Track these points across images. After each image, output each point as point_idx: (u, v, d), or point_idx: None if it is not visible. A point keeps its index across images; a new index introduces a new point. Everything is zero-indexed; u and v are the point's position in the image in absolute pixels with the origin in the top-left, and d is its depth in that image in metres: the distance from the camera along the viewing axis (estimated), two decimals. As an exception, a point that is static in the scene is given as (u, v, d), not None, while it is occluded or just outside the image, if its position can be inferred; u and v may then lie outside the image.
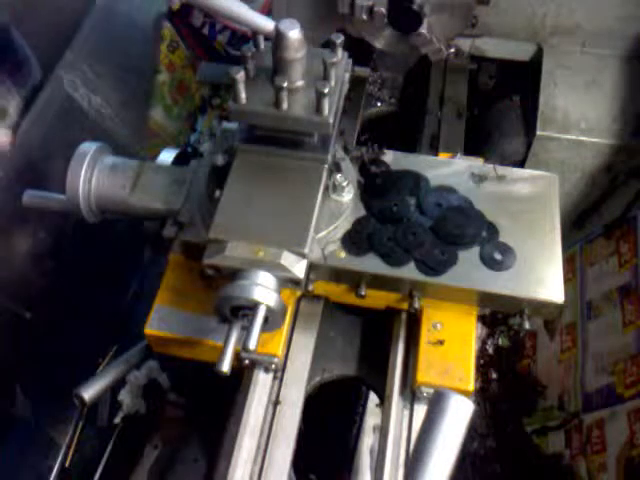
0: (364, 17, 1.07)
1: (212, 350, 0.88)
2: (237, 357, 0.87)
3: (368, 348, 1.02)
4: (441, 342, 0.88)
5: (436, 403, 0.67)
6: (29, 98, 1.20)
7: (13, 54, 1.18)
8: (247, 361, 0.91)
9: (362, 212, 0.93)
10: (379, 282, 0.89)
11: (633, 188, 1.40)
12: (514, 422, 1.62)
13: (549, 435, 1.52)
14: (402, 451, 0.87)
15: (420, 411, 0.88)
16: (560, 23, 1.35)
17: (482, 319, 1.72)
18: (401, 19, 1.05)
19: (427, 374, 0.85)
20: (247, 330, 0.76)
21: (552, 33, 1.37)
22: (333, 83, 0.82)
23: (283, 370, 0.94)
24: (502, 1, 1.33)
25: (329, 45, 0.85)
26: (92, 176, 0.94)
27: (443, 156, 1.10)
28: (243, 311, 0.80)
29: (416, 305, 0.88)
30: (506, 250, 0.89)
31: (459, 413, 0.66)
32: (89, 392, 0.96)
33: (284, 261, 0.81)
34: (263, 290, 0.78)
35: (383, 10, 1.05)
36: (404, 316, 0.98)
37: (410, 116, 1.44)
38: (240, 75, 0.79)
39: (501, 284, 0.87)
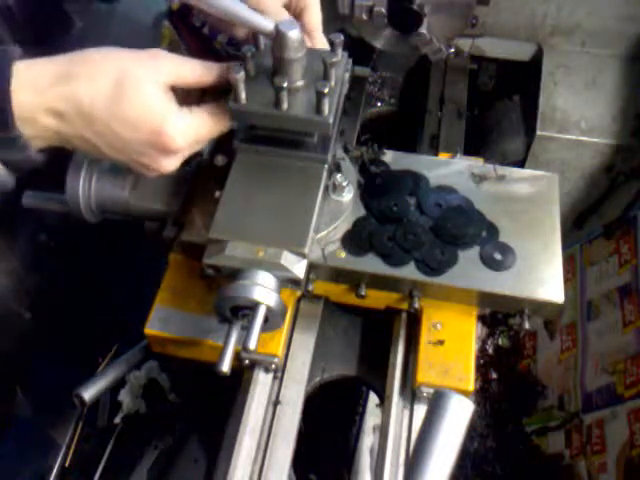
0: (364, 17, 1.07)
1: (212, 350, 0.88)
2: (237, 357, 0.87)
3: (368, 348, 1.02)
4: (441, 342, 0.88)
5: (436, 403, 0.67)
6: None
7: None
8: (247, 361, 0.91)
9: (362, 212, 0.93)
10: (379, 282, 0.89)
11: (633, 188, 1.40)
12: (514, 422, 1.62)
13: (549, 435, 1.52)
14: (402, 451, 0.87)
15: (420, 411, 0.88)
16: (560, 23, 1.35)
17: (482, 319, 1.73)
18: (401, 19, 1.05)
19: (427, 374, 0.85)
20: (247, 330, 0.77)
21: (552, 33, 1.37)
22: (333, 83, 0.82)
23: (283, 370, 0.94)
24: (502, 1, 1.33)
25: (329, 45, 0.85)
26: (92, 176, 0.94)
27: (443, 156, 1.10)
28: (243, 311, 0.80)
29: (416, 305, 0.88)
30: (506, 250, 0.89)
31: (459, 413, 0.66)
32: (89, 392, 0.96)
33: (284, 261, 0.81)
34: (263, 290, 0.78)
35: (383, 10, 1.05)
36: (404, 316, 0.98)
37: (410, 116, 1.44)
38: (240, 75, 0.79)
39: (501, 284, 0.86)
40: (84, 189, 0.94)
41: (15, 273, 1.21)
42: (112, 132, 0.71)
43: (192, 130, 0.75)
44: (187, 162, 1.03)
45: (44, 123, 0.69)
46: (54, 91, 0.68)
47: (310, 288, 0.89)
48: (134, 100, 0.70)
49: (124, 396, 1.38)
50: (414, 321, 0.94)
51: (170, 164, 0.77)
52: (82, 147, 0.75)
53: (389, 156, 1.00)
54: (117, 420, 1.36)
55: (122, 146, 0.73)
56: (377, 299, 0.92)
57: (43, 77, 0.69)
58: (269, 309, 0.78)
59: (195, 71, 0.77)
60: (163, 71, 0.73)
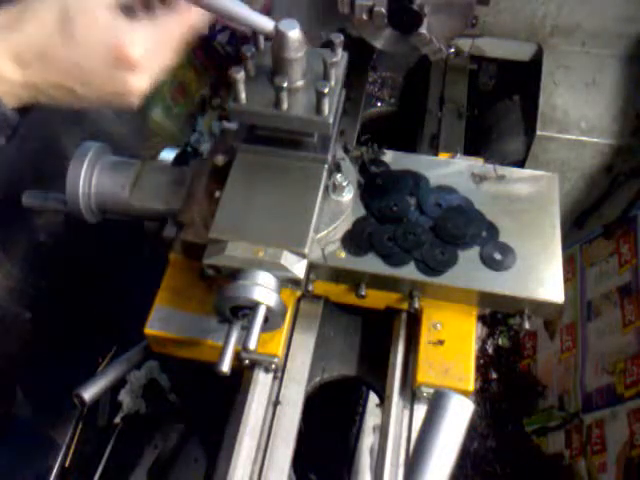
0: (364, 17, 1.07)
1: (212, 350, 0.88)
2: (237, 357, 0.87)
3: (368, 348, 1.02)
4: (441, 342, 0.88)
5: (436, 403, 0.67)
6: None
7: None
8: (247, 361, 0.91)
9: (362, 212, 0.93)
10: (379, 282, 0.89)
11: (633, 188, 1.40)
12: (514, 422, 1.62)
13: (549, 435, 1.52)
14: (402, 451, 0.87)
15: (420, 411, 0.88)
16: (560, 23, 1.35)
17: (482, 319, 1.73)
18: (401, 19, 1.05)
19: (427, 374, 0.85)
20: (247, 330, 0.77)
21: (552, 33, 1.37)
22: (333, 83, 0.82)
23: (283, 370, 0.94)
24: (502, 1, 1.33)
25: (329, 45, 0.85)
26: (92, 176, 0.94)
27: (443, 156, 1.10)
28: (243, 311, 0.80)
29: (416, 305, 0.88)
30: (506, 250, 0.89)
31: (459, 413, 0.66)
32: (89, 392, 0.96)
33: (284, 261, 0.81)
34: (263, 290, 0.78)
35: (383, 10, 1.05)
36: (404, 316, 0.98)
37: (410, 116, 1.44)
38: (240, 75, 0.79)
39: (501, 284, 0.87)
40: (84, 189, 0.94)
41: (14, 273, 1.21)
42: (74, 65, 0.70)
43: (149, 35, 0.72)
44: (187, 162, 1.04)
45: (8, 75, 0.69)
46: (9, 39, 0.69)
47: (310, 288, 0.89)
48: (83, 24, 0.70)
49: (124, 396, 1.38)
50: (414, 321, 0.94)
51: (140, 82, 0.73)
52: (56, 95, 0.73)
53: (389, 156, 1.00)
54: (117, 420, 1.37)
55: (89, 78, 0.72)
56: (377, 299, 0.92)
57: None
58: (269, 309, 0.78)
59: None
60: None
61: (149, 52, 0.72)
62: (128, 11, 0.74)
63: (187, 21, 0.76)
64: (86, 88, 0.73)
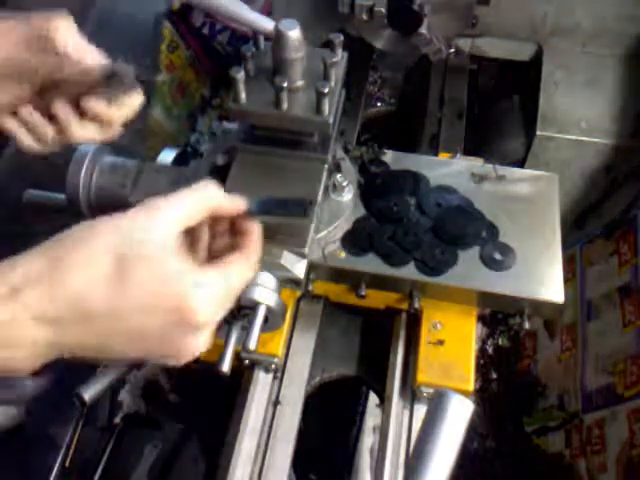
0: (364, 17, 1.07)
1: (212, 350, 0.88)
2: (237, 357, 0.87)
3: (368, 348, 1.02)
4: (441, 342, 0.88)
5: (436, 403, 0.67)
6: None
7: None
8: (247, 361, 0.91)
9: (362, 212, 0.93)
10: (379, 282, 0.89)
11: (633, 188, 1.40)
12: (514, 422, 1.62)
13: (549, 435, 1.52)
14: (402, 451, 0.87)
15: (420, 411, 0.88)
16: (560, 23, 1.35)
17: (482, 319, 1.73)
18: (401, 19, 1.05)
19: (427, 374, 0.85)
20: (247, 330, 0.77)
21: (552, 33, 1.37)
22: (333, 83, 0.82)
23: (283, 370, 0.94)
24: (502, 1, 1.33)
25: (329, 45, 0.85)
26: (92, 176, 0.94)
27: (443, 156, 1.10)
28: (243, 311, 0.80)
29: (416, 305, 0.88)
30: (506, 250, 0.89)
31: (459, 413, 0.66)
32: (89, 392, 0.96)
33: (284, 261, 0.81)
34: (263, 290, 0.78)
35: (383, 10, 1.05)
36: (404, 316, 0.98)
37: (410, 116, 1.44)
38: (240, 75, 0.79)
39: (501, 284, 0.87)
40: (84, 189, 0.94)
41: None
42: (123, 327, 0.56)
43: (217, 291, 0.59)
44: (187, 162, 1.04)
45: (33, 337, 0.54)
46: (41, 293, 0.52)
47: (310, 288, 0.89)
48: (139, 277, 0.55)
49: (124, 396, 1.38)
50: (414, 321, 0.94)
51: (199, 341, 0.62)
52: (89, 354, 0.59)
53: (389, 156, 1.00)
54: (117, 420, 1.36)
55: (137, 341, 0.58)
56: (377, 299, 0.92)
57: (21, 275, 0.53)
58: (269, 309, 0.78)
59: (200, 211, 0.62)
60: (166, 226, 0.58)
61: (216, 310, 0.60)
62: (192, 240, 0.64)
63: (253, 263, 0.63)
64: (131, 348, 0.59)
